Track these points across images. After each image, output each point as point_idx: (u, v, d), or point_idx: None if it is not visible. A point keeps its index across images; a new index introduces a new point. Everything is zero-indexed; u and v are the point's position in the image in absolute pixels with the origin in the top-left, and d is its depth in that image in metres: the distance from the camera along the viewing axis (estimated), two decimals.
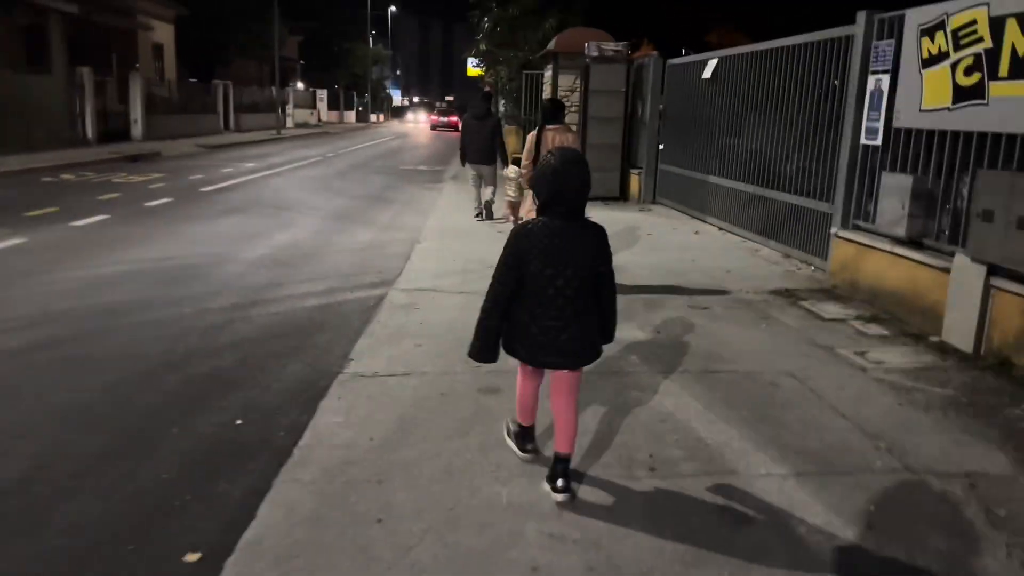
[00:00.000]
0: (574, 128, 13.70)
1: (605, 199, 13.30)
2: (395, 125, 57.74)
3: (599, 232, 2.96)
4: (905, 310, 5.71)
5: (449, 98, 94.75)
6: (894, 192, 5.84)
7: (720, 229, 10.04)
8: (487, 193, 10.71)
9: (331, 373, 4.40)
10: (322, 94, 52.06)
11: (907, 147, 5.91)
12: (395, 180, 16.58)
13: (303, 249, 8.34)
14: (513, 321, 2.96)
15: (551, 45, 14.14)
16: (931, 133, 5.64)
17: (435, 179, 17.08)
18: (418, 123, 61.18)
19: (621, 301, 3.33)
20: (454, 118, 46.44)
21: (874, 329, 5.54)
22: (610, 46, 12.96)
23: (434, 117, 52.84)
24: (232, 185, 14.28)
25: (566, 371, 3.04)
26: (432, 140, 36.46)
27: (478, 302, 3.07)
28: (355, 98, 61.48)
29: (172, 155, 20.98)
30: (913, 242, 5.76)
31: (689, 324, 5.58)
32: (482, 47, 23.84)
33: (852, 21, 6.64)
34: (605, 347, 3.14)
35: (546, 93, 14.72)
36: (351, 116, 59.78)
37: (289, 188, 14.17)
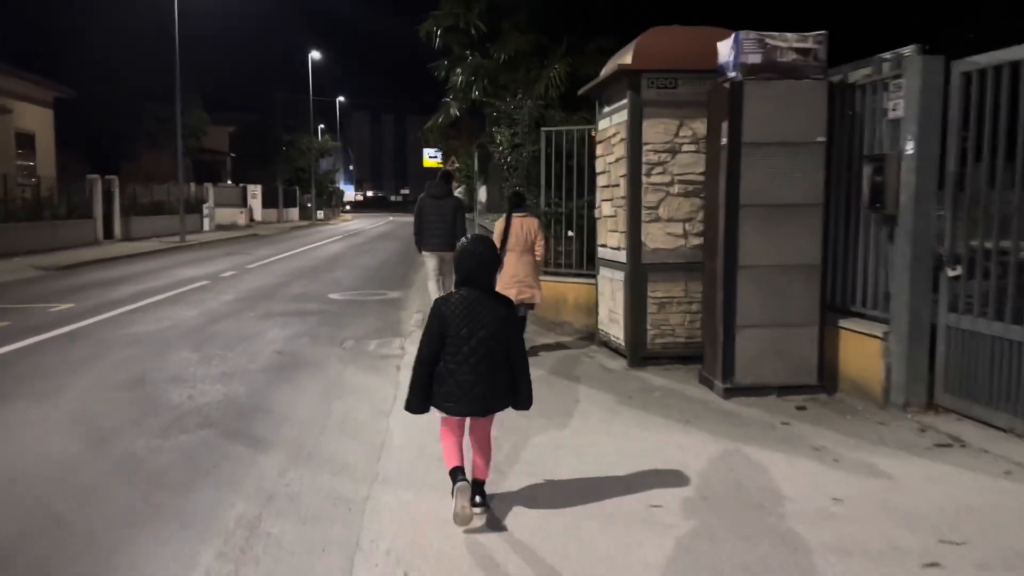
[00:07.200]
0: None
1: (783, 390, 5.63)
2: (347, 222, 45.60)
3: (507, 302, 3.57)
4: None
5: (405, 191, 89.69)
6: None
7: None
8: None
9: None
10: (255, 190, 44.36)
11: None
12: (311, 332, 8.72)
13: None
14: (438, 380, 3.46)
15: (625, 58, 6.71)
16: None
17: (388, 325, 9.29)
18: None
19: None
20: None
21: None
22: (790, 41, 5.57)
23: None
24: None
25: (479, 417, 3.54)
26: (390, 238, 28.83)
27: None
28: (298, 194, 53.98)
29: None
30: None
31: None
32: (453, 111, 16.55)
33: None
34: None
35: (613, 156, 7.19)
36: (294, 214, 52.11)
37: (30, 424, 6.16)
